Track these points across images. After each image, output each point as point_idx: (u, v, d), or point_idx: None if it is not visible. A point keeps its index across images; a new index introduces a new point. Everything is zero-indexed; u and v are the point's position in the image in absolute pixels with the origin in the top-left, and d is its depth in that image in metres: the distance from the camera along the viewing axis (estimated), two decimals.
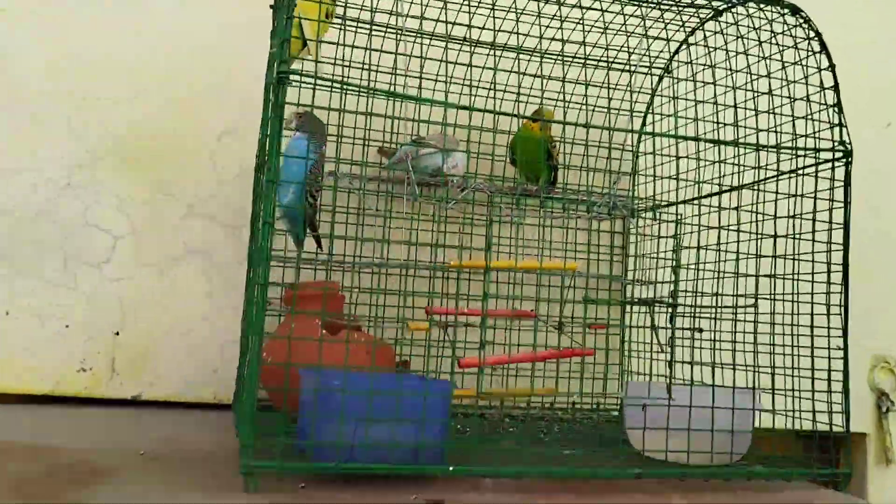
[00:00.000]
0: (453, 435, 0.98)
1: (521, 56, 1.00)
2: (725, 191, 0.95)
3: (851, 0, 1.49)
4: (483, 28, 1.12)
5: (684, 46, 1.17)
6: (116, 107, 1.21)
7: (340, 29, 1.04)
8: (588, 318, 1.01)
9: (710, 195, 0.99)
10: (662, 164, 1.01)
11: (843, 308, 0.93)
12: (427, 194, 1.18)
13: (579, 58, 1.13)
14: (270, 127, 0.72)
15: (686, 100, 0.95)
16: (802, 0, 1.05)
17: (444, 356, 1.09)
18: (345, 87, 0.74)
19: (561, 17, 0.96)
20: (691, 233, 0.96)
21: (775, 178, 0.95)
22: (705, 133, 0.97)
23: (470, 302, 1.19)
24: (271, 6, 1.00)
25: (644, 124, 1.26)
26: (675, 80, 0.97)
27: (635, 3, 0.99)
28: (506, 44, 1.16)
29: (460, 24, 1.10)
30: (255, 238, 0.92)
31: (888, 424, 1.44)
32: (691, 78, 0.98)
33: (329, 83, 0.74)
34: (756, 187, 0.94)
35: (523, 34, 1.13)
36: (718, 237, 0.90)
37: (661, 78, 1.23)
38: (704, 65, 0.96)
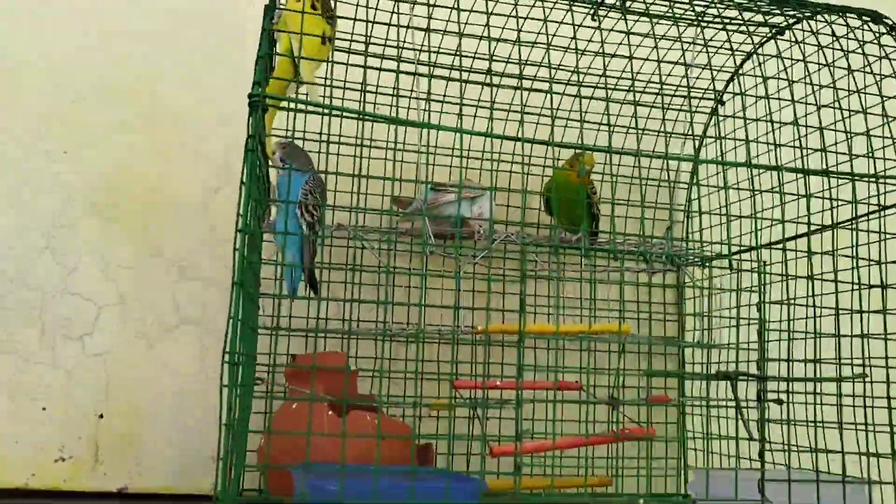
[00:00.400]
0: None
1: (553, 83, 0.85)
2: (815, 231, 0.77)
3: None
4: (510, 56, 0.98)
5: (748, 65, 1.01)
6: (97, 154, 1.08)
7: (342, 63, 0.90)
8: (647, 389, 0.82)
9: (794, 237, 0.81)
10: (739, 201, 0.83)
11: None
12: (450, 246, 1.02)
13: (626, 77, 0.98)
14: (243, 165, 0.57)
15: (759, 120, 0.78)
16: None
17: (475, 439, 0.92)
18: (333, 111, 0.59)
19: (602, 31, 0.81)
20: (773, 283, 0.78)
21: (877, 214, 0.77)
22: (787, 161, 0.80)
23: (504, 372, 1.02)
24: (266, 6, 0.85)
25: (697, 154, 1.09)
26: (742, 98, 0.80)
27: (689, 16, 0.84)
28: (536, 75, 1.02)
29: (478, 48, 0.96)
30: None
31: None
32: (762, 97, 0.81)
33: (319, 109, 0.59)
34: (852, 225, 0.76)
35: (557, 47, 0.98)
36: (812, 289, 0.72)
37: (719, 99, 1.06)
38: (781, 78, 0.79)
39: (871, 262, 0.75)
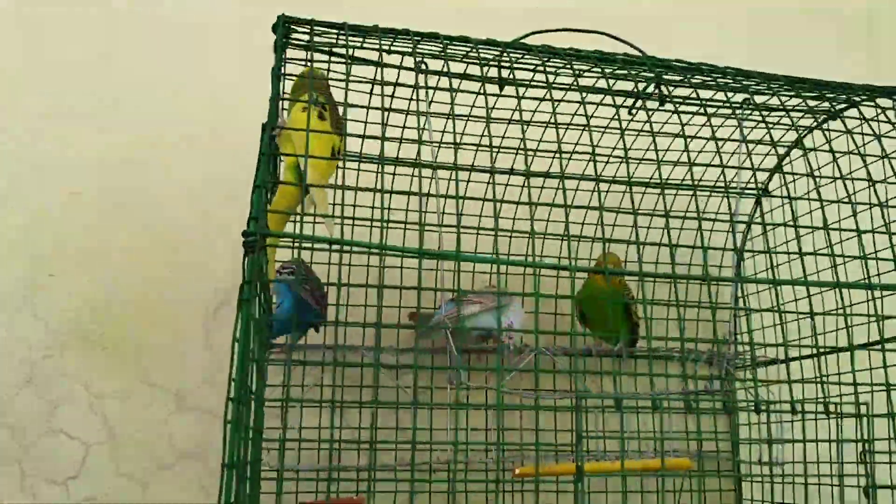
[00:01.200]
0: None
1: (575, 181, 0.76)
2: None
3: None
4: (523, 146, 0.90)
5: (791, 158, 0.92)
6: (84, 274, 0.99)
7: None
8: None
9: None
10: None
11: None
12: (477, 365, 0.92)
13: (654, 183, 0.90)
14: (237, 317, 0.48)
15: (816, 229, 0.69)
16: None
17: None
18: (343, 245, 0.50)
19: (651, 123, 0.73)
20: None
21: None
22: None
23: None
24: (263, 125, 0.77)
25: (740, 266, 0.99)
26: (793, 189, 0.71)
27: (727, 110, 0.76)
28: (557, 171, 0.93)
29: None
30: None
31: None
32: (811, 192, 0.72)
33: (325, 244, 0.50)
34: None
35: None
36: None
37: (763, 189, 0.96)
38: (859, 153, 0.70)
39: None
